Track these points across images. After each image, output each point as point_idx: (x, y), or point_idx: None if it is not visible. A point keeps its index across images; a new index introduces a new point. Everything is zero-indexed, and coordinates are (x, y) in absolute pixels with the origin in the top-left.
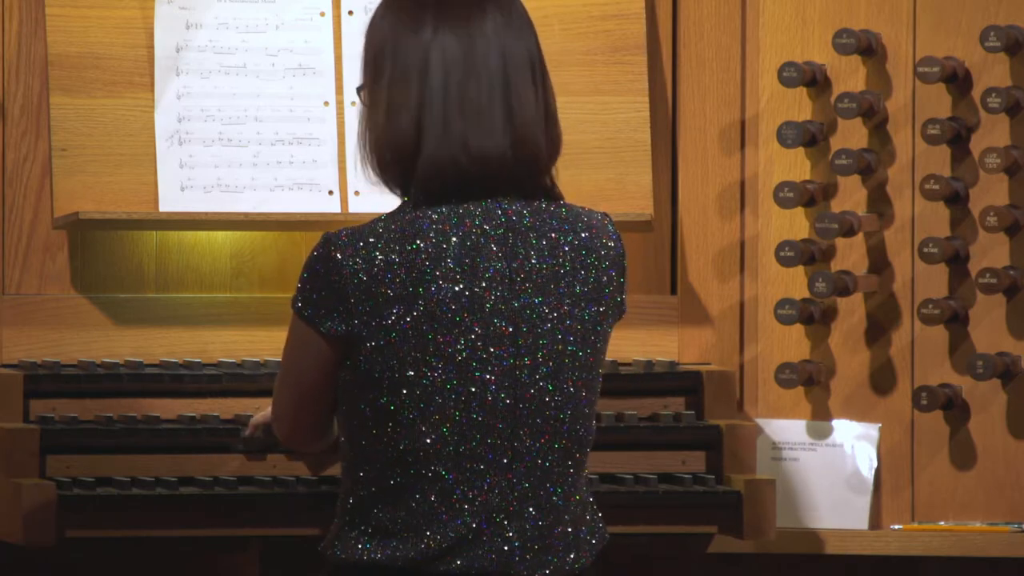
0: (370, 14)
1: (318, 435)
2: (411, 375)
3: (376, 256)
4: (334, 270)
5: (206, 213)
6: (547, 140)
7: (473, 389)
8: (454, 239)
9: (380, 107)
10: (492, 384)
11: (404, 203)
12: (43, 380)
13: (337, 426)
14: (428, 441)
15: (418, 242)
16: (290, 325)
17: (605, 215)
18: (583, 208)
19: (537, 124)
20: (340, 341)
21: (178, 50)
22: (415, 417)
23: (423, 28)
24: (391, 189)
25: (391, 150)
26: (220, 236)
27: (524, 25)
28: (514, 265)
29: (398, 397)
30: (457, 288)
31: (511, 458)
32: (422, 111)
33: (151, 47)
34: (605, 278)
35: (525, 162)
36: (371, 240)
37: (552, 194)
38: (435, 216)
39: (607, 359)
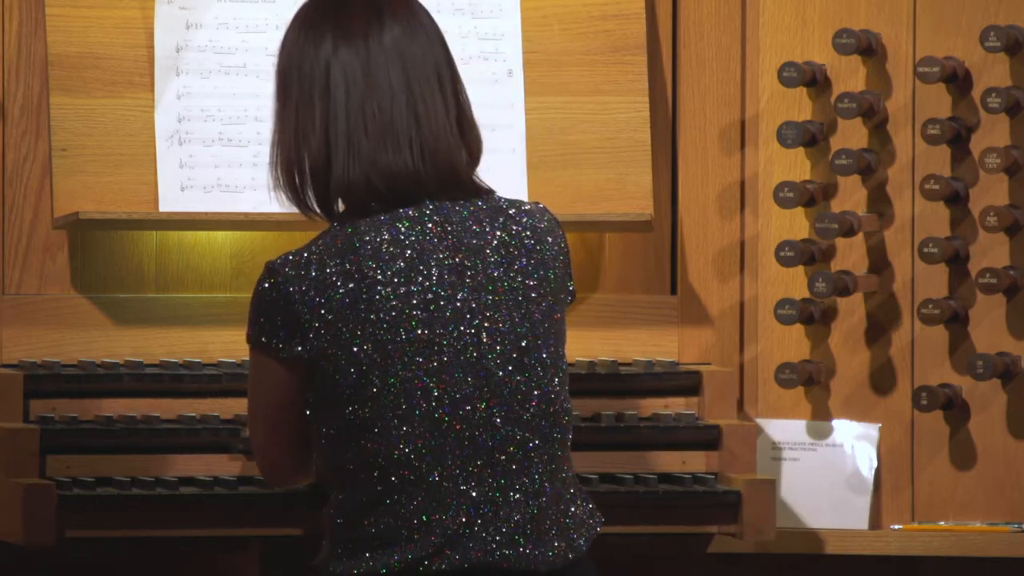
0: None
1: (299, 465)
2: (376, 384)
3: (321, 275)
4: (283, 296)
5: (206, 213)
6: (464, 147)
7: (442, 387)
8: (395, 245)
9: (288, 129)
10: (460, 379)
11: (337, 221)
12: (43, 380)
13: (313, 451)
14: (405, 446)
15: (361, 253)
16: (250, 360)
17: (537, 203)
18: (515, 199)
19: (449, 134)
20: (302, 365)
21: (178, 50)
22: (388, 425)
23: (323, 46)
24: (306, 211)
25: (301, 173)
26: (220, 236)
27: (427, 33)
28: (458, 260)
29: (367, 408)
30: (409, 290)
31: (491, 449)
32: (328, 131)
33: (151, 47)
34: (549, 261)
35: (441, 174)
36: (314, 260)
37: (480, 194)
38: (372, 225)
39: (607, 359)
